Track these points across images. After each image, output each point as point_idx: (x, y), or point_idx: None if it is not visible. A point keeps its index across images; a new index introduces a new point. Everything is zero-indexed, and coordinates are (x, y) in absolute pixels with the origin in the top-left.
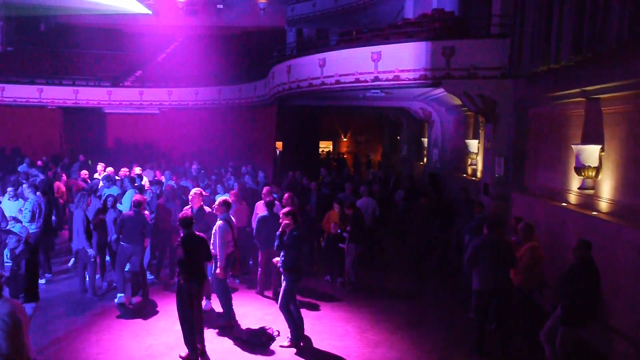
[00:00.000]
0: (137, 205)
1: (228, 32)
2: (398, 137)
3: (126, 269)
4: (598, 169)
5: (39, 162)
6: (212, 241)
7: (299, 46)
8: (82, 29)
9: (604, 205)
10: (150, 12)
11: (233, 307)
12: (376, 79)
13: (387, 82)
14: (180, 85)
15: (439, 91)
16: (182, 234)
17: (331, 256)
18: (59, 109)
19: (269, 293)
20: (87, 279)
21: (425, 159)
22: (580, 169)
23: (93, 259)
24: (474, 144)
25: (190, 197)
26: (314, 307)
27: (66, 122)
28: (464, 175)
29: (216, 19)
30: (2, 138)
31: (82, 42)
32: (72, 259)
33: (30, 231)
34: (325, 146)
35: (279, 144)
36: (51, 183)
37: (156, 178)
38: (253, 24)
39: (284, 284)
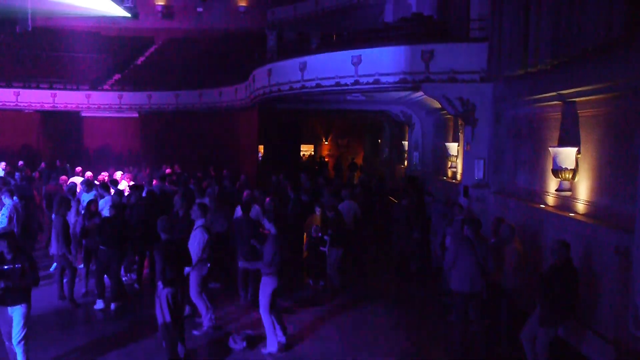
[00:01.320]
0: (116, 209)
1: (208, 35)
2: (379, 140)
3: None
4: (575, 171)
5: (20, 165)
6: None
7: (280, 49)
8: (60, 31)
9: (580, 206)
10: (129, 15)
11: (212, 311)
12: (357, 82)
13: (367, 86)
14: (160, 89)
15: (419, 94)
16: (161, 239)
17: (313, 260)
18: (37, 112)
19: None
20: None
21: (406, 162)
22: (557, 171)
23: (82, 265)
24: (453, 147)
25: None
26: (295, 311)
27: (43, 125)
28: (444, 177)
29: (196, 22)
30: None
31: (60, 45)
32: (54, 264)
33: None
34: (307, 150)
35: (261, 148)
36: (30, 188)
37: (138, 183)
38: (233, 27)
39: (261, 286)
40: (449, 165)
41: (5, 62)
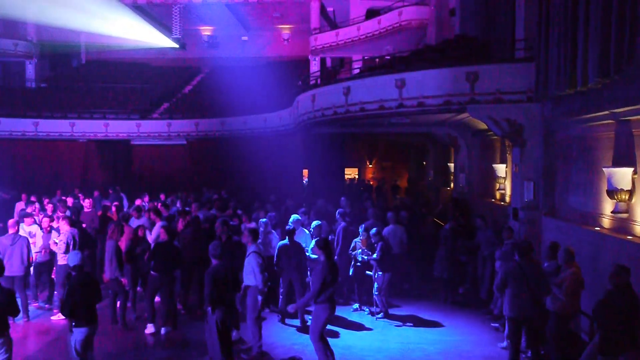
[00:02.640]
0: (169, 235)
1: (253, 62)
2: (424, 163)
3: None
4: (631, 192)
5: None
6: (243, 271)
7: (323, 75)
8: (112, 63)
9: (639, 229)
10: (177, 45)
11: (261, 337)
12: (400, 105)
13: (411, 109)
14: (207, 116)
15: (464, 116)
16: (212, 264)
17: (359, 284)
18: (90, 142)
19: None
20: (118, 309)
21: (452, 184)
22: (612, 192)
23: (129, 289)
24: (501, 169)
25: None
26: (342, 337)
27: (96, 154)
28: (492, 200)
29: (241, 50)
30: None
31: (112, 77)
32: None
33: (60, 263)
34: (351, 173)
35: (306, 172)
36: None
37: (185, 208)
38: (277, 54)
39: (314, 314)
40: (497, 187)
41: (62, 95)
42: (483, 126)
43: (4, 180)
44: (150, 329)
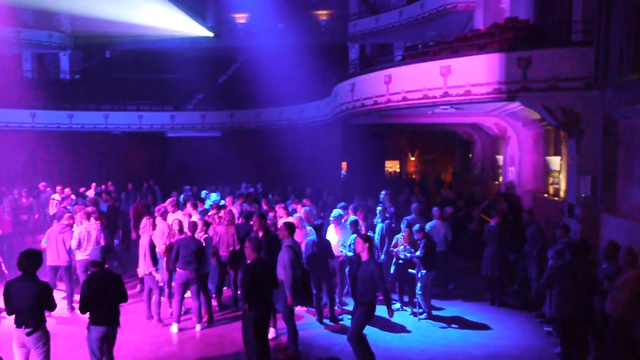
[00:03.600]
0: (192, 230)
1: (289, 51)
2: (470, 155)
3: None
4: None
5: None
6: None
7: (363, 63)
8: (146, 54)
9: None
10: (211, 34)
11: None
12: (446, 94)
13: (457, 98)
14: (242, 107)
15: (515, 105)
16: (250, 259)
17: (401, 283)
18: (124, 134)
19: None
20: (153, 305)
21: (500, 178)
22: None
23: (162, 285)
24: (555, 161)
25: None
26: (383, 338)
27: (130, 147)
28: (545, 195)
29: (277, 38)
30: (71, 164)
31: (146, 68)
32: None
33: (78, 259)
34: (392, 166)
35: (344, 165)
36: (116, 209)
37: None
38: (314, 42)
39: (357, 315)
40: (551, 182)
41: (95, 86)
42: (536, 116)
43: (41, 173)
44: (174, 328)
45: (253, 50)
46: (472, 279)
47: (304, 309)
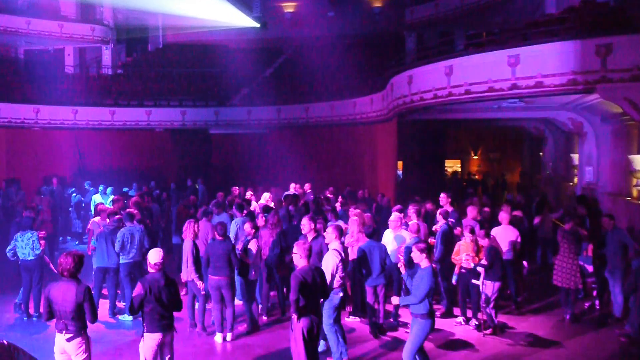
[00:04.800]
0: (224, 233)
1: (340, 41)
2: (541, 154)
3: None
4: None
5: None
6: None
7: (421, 53)
8: (189, 47)
9: None
10: (258, 25)
11: (347, 349)
12: (514, 86)
13: (527, 90)
14: (290, 102)
15: (593, 98)
16: (298, 266)
17: (463, 294)
18: (167, 131)
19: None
20: (197, 313)
21: (575, 179)
22: None
23: (204, 292)
24: (639, 160)
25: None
26: (444, 354)
27: (173, 145)
28: (628, 198)
29: (327, 27)
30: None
31: (189, 61)
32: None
33: (121, 262)
34: (453, 165)
35: (400, 164)
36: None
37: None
38: (368, 31)
39: (414, 329)
40: (634, 183)
41: (137, 81)
42: (616, 109)
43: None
44: (218, 338)
45: (302, 41)
46: (544, 291)
47: (357, 320)
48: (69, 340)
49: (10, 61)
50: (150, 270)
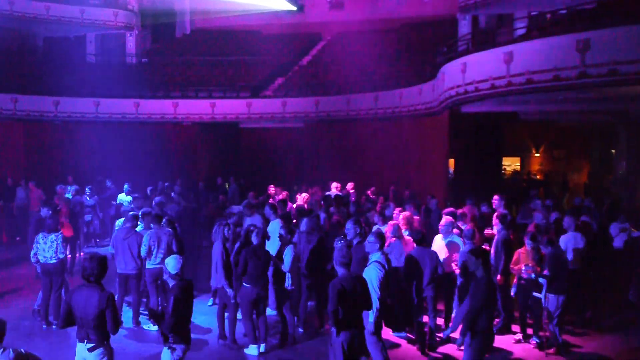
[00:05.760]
0: (262, 238)
1: (385, 26)
2: (612, 151)
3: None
4: None
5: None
6: None
7: (476, 38)
8: (219, 33)
9: None
10: (294, 8)
11: None
12: (583, 74)
13: (598, 79)
14: (329, 93)
15: None
16: (338, 274)
17: (523, 308)
18: (195, 124)
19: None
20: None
21: None
22: None
23: (233, 300)
24: None
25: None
26: None
27: (201, 139)
28: None
29: (370, 11)
30: (138, 159)
31: (219, 48)
32: (211, 299)
33: (148, 267)
34: (511, 164)
35: (452, 162)
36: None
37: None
38: (415, 14)
39: (468, 346)
40: None
41: (164, 70)
42: None
43: (105, 168)
44: (252, 350)
45: (343, 26)
46: (617, 307)
47: (403, 335)
48: (90, 350)
49: (28, 50)
50: (172, 280)
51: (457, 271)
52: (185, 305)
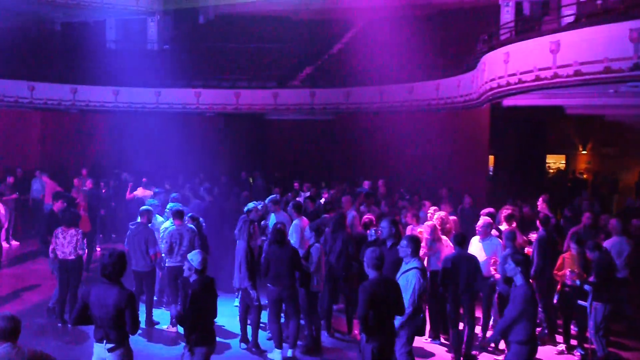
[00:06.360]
0: (282, 237)
1: (421, 12)
2: None
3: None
4: None
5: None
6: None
7: (520, 26)
8: (245, 18)
9: None
10: None
11: None
12: (637, 66)
13: None
14: (360, 84)
15: None
16: (370, 277)
17: (567, 317)
18: (219, 115)
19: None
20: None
21: None
22: None
23: (257, 302)
24: None
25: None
26: None
27: (225, 131)
28: None
29: None
30: (157, 151)
31: (244, 35)
32: (236, 299)
33: (168, 264)
34: (556, 161)
35: (491, 159)
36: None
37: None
38: (454, 1)
39: (509, 357)
40: None
41: (185, 58)
42: None
43: (120, 161)
44: (276, 355)
45: (376, 11)
46: None
47: (437, 343)
48: (111, 350)
49: (46, 36)
50: (193, 275)
51: (497, 276)
52: (205, 301)
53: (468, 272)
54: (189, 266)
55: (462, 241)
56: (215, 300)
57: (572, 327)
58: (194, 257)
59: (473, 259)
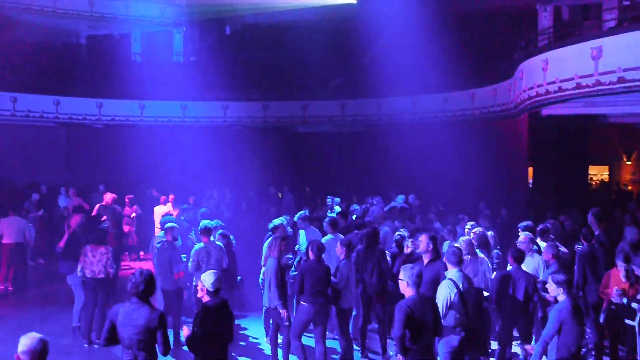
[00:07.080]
0: (319, 251)
1: (455, 18)
2: None
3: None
4: None
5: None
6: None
7: (559, 31)
8: (272, 28)
9: None
10: (354, 1)
11: None
12: None
13: None
14: (392, 94)
15: None
16: (406, 296)
17: (614, 337)
18: (245, 129)
19: None
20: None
21: None
22: None
23: (287, 322)
24: None
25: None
26: None
27: (252, 145)
28: None
29: (437, 2)
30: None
31: (272, 45)
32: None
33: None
34: (599, 172)
35: (530, 171)
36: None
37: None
38: (490, 6)
39: None
40: None
41: (211, 70)
42: None
43: (146, 176)
44: None
45: (406, 19)
46: None
47: None
48: None
49: (71, 50)
50: (207, 297)
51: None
52: (216, 324)
53: (526, 291)
54: (201, 287)
55: (520, 257)
56: (230, 322)
57: (619, 347)
58: (207, 277)
59: (530, 276)
